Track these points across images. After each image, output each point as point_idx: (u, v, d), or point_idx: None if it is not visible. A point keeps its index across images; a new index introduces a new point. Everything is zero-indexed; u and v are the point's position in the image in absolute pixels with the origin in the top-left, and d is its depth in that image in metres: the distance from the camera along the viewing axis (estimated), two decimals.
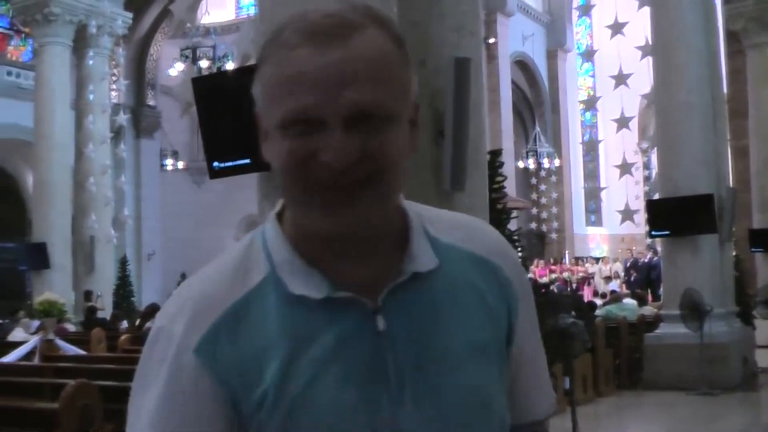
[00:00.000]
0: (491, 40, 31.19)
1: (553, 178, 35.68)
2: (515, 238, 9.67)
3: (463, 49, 6.48)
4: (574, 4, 36.96)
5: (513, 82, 33.89)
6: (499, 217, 9.14)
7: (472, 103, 6.45)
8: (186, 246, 31.62)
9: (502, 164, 9.48)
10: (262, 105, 1.39)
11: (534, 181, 35.33)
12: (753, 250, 21.71)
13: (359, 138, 1.31)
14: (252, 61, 6.99)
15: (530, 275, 23.99)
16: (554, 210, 35.33)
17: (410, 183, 4.73)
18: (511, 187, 28.65)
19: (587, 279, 31.67)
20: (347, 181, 1.32)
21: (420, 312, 1.41)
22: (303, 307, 1.37)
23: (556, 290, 22.53)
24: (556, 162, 35.59)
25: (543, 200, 35.10)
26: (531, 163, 35.23)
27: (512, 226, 10.46)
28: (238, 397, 1.36)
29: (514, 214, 19.21)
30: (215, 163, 5.64)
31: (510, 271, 1.51)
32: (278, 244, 1.43)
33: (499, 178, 9.35)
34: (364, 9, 1.38)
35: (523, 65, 35.53)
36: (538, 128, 35.99)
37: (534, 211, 34.37)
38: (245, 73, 6.90)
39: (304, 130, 1.32)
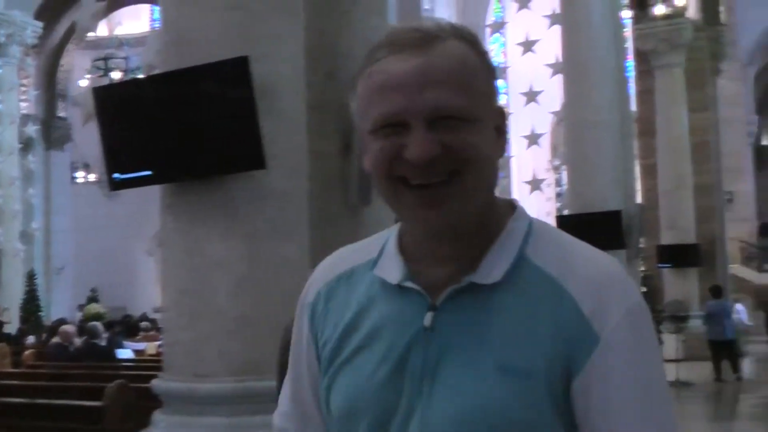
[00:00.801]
0: None
1: None
2: None
3: None
4: (488, 22, 37.27)
5: None
6: None
7: None
8: (99, 259, 31.13)
9: None
10: (358, 118, 1.50)
11: None
12: (660, 266, 22.15)
13: (440, 136, 1.41)
14: (157, 71, 6.88)
15: None
16: None
17: (318, 197, 4.70)
18: None
19: None
20: (430, 179, 1.41)
21: (468, 320, 1.47)
22: (382, 288, 1.54)
23: None
24: None
25: None
26: None
27: None
28: (320, 347, 1.61)
29: None
30: (116, 175, 5.53)
31: (597, 313, 1.43)
32: (394, 237, 1.58)
33: None
34: (448, 25, 1.50)
35: None
36: None
37: None
38: (148, 82, 6.81)
39: (392, 131, 1.42)
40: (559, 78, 16.43)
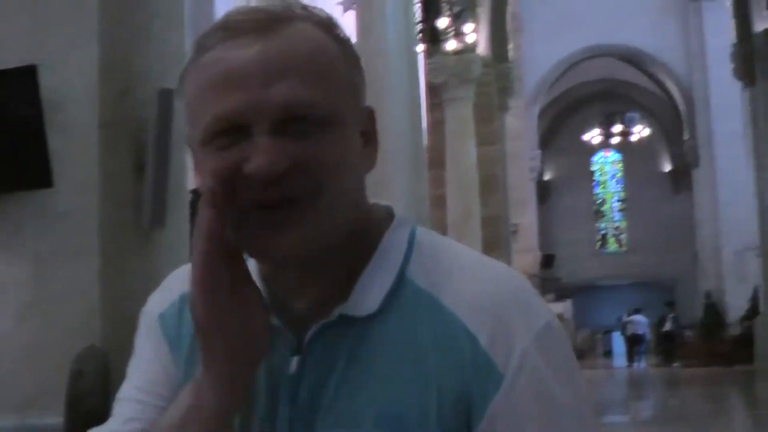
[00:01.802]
0: None
1: None
2: None
3: (168, 79, 6.22)
4: None
5: None
6: None
7: (175, 137, 6.18)
8: None
9: None
10: (188, 127, 1.20)
11: None
12: None
13: (290, 144, 1.12)
14: None
15: None
16: None
17: (108, 219, 4.37)
18: None
19: None
20: (277, 198, 1.13)
21: (339, 362, 1.20)
22: None
23: None
24: None
25: None
26: None
27: None
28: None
29: None
30: None
31: (497, 343, 1.14)
32: None
33: None
34: (298, 6, 1.21)
35: None
36: None
37: None
38: None
39: (228, 142, 1.13)
40: None
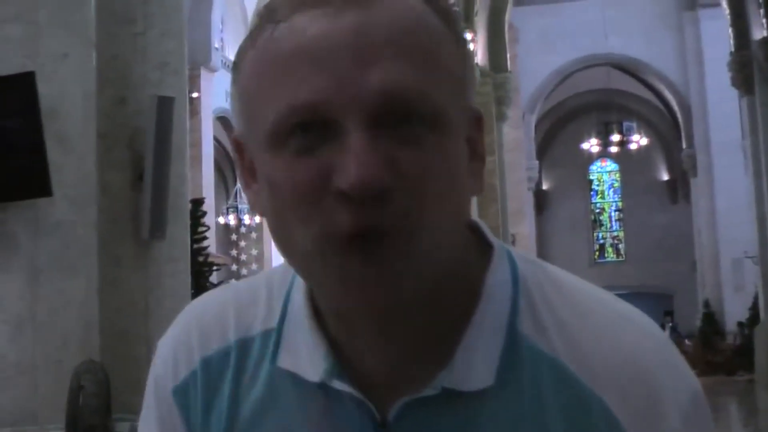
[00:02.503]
0: (194, 95, 30.80)
1: (254, 235, 35.57)
2: None
3: (166, 87, 6.13)
4: None
5: (215, 139, 33.62)
6: (200, 269, 8.77)
7: (174, 146, 6.09)
8: None
9: (204, 213, 9.12)
10: (243, 122, 0.91)
11: (234, 237, 35.06)
12: None
13: (393, 149, 0.83)
14: None
15: None
16: (254, 267, 35.16)
17: (106, 230, 4.26)
18: (211, 243, 28.32)
19: None
20: (365, 225, 0.82)
21: None
22: (292, 384, 0.97)
23: None
24: (257, 219, 35.51)
25: (243, 257, 34.87)
26: (232, 220, 34.96)
27: (214, 279, 10.09)
28: None
29: (216, 268, 18.82)
30: None
31: (638, 414, 0.89)
32: (301, 292, 0.99)
33: (202, 228, 9.00)
34: None
35: (225, 122, 35.32)
36: (238, 185, 35.81)
37: (234, 267, 34.06)
38: None
39: (309, 142, 0.84)
40: None
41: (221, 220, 34.23)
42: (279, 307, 1.00)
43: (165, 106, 5.91)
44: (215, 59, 32.31)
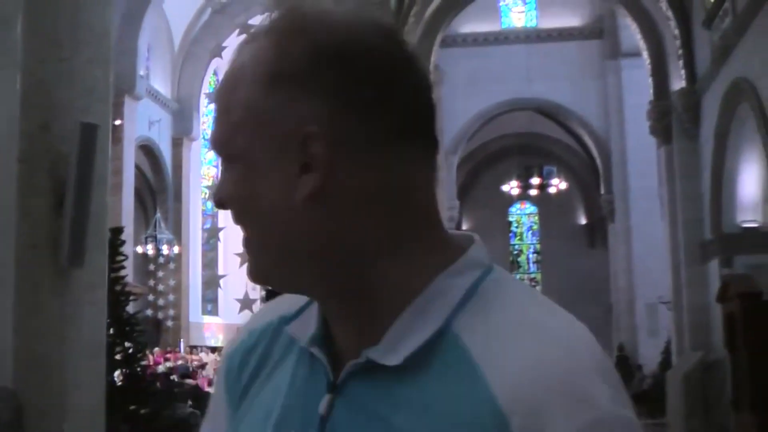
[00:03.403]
0: (117, 122, 30.53)
1: (172, 265, 35.20)
2: (134, 321, 9.21)
3: (91, 114, 6.09)
4: (204, 90, 37.11)
5: (137, 167, 33.28)
6: (117, 299, 8.67)
7: (96, 174, 6.04)
8: None
9: (123, 242, 9.04)
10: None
11: (152, 267, 34.65)
12: None
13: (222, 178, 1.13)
14: None
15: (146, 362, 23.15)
16: (171, 297, 34.78)
17: (24, 256, 4.21)
18: (129, 272, 27.94)
19: (201, 368, 31.30)
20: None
21: (365, 413, 1.06)
22: (299, 349, 1.18)
23: (176, 377, 21.89)
24: (176, 249, 35.17)
25: (161, 287, 34.47)
26: (150, 249, 34.55)
27: (130, 309, 9.98)
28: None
29: (132, 298, 18.58)
30: None
31: (526, 427, 0.95)
32: None
33: (120, 257, 8.90)
34: (287, 11, 1.10)
35: (148, 150, 35.01)
36: (159, 214, 35.46)
37: (151, 297, 33.65)
38: None
39: None
40: None
41: (139, 249, 33.82)
42: None
43: (89, 133, 5.86)
44: (140, 87, 32.05)
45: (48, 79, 5.98)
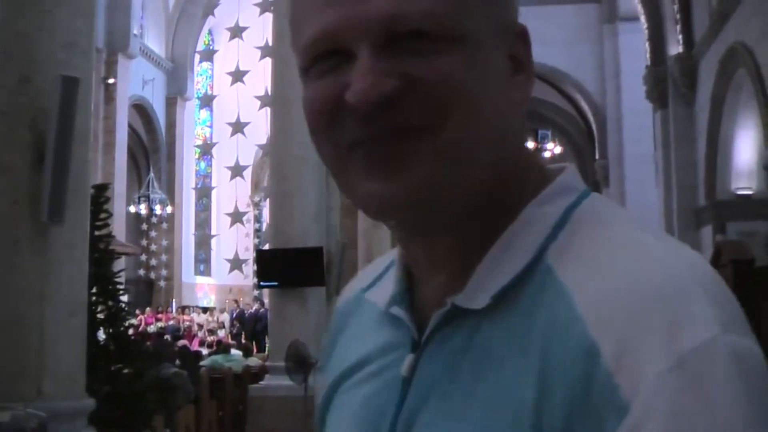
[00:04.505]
0: (111, 81, 30.38)
1: (165, 225, 35.15)
2: (118, 280, 9.11)
3: (72, 68, 5.95)
4: (198, 49, 36.86)
5: (130, 126, 33.13)
6: (102, 257, 8.56)
7: (78, 130, 5.91)
8: None
9: (107, 200, 8.91)
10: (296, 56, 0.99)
11: (145, 227, 34.60)
12: None
13: (401, 63, 0.89)
14: None
15: (136, 322, 23.13)
16: (164, 257, 34.79)
17: (2, 212, 4.07)
18: (121, 232, 27.91)
19: (193, 328, 31.31)
20: (384, 127, 0.89)
21: (449, 367, 0.94)
22: (376, 314, 1.08)
23: (169, 337, 21.86)
24: (169, 209, 35.11)
25: (153, 247, 34.45)
26: (143, 209, 34.49)
27: (118, 268, 9.90)
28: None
29: (122, 259, 18.48)
30: None
31: (624, 361, 0.79)
32: None
33: (104, 215, 8.78)
34: None
35: (141, 110, 34.86)
36: (152, 174, 35.37)
37: (143, 257, 33.62)
38: None
39: (327, 68, 0.92)
40: (267, 111, 16.24)
41: (132, 209, 33.76)
42: (395, 255, 1.09)
43: (70, 86, 5.73)
44: (134, 46, 31.87)
45: (28, 32, 5.84)
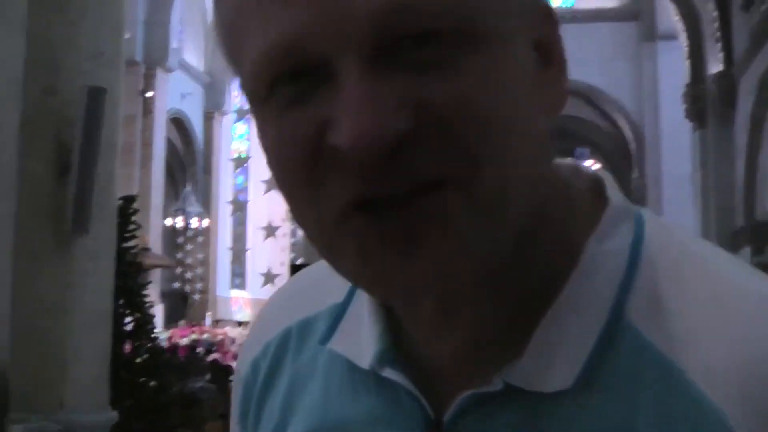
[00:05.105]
0: (149, 94, 30.56)
1: (200, 239, 35.26)
2: (144, 293, 9.10)
3: (99, 78, 5.93)
4: None
5: (168, 140, 33.30)
6: (129, 269, 8.55)
7: (105, 141, 5.89)
8: None
9: (135, 211, 8.91)
10: (234, 69, 0.70)
11: (181, 240, 34.72)
12: None
13: (406, 83, 0.61)
14: None
15: (168, 335, 23.19)
16: (199, 271, 34.86)
17: (26, 223, 4.02)
18: (157, 245, 28.03)
19: (227, 342, 31.36)
20: (403, 183, 0.61)
21: None
22: (347, 369, 0.80)
23: (202, 351, 21.87)
24: (205, 223, 35.22)
25: (189, 260, 34.54)
26: (179, 222, 34.62)
27: (151, 281, 9.90)
28: None
29: (158, 272, 18.51)
30: None
31: (746, 426, 0.63)
32: None
33: (132, 227, 8.78)
34: None
35: (179, 123, 35.02)
36: (189, 188, 35.51)
37: (179, 270, 33.73)
38: None
39: (296, 93, 0.63)
40: None
41: (168, 222, 33.88)
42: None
43: (96, 96, 5.72)
44: (172, 59, 32.04)
45: (54, 42, 5.84)
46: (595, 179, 0.79)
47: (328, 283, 0.82)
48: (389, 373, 0.75)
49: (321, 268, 0.85)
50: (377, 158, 0.59)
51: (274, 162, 0.67)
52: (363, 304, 0.80)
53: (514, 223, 0.65)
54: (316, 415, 0.81)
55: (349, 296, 0.83)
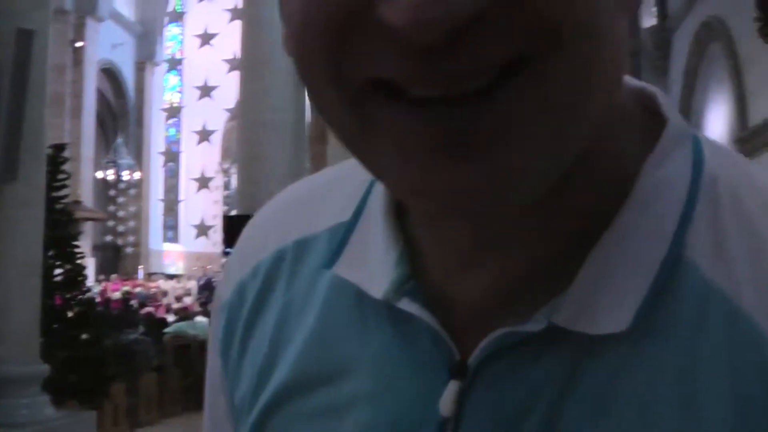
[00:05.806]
0: (79, 44, 30.00)
1: (133, 192, 34.88)
2: (76, 243, 8.91)
3: (29, 20, 5.73)
4: (169, 9, 36.55)
5: (98, 91, 32.76)
6: (59, 218, 8.35)
7: (33, 83, 5.71)
8: None
9: (66, 160, 8.69)
10: None
11: (113, 193, 34.32)
12: None
13: None
14: None
15: (101, 288, 22.94)
16: (132, 224, 34.54)
17: None
18: (89, 198, 27.64)
19: (159, 295, 31.19)
20: (468, 70, 0.49)
21: (537, 407, 0.60)
22: (356, 298, 0.69)
23: (135, 304, 21.69)
24: (137, 175, 34.82)
25: (121, 213, 34.19)
26: (111, 175, 34.18)
27: (81, 233, 9.72)
28: (235, 386, 0.80)
29: (90, 225, 18.25)
30: None
31: None
32: (380, 188, 0.71)
33: (62, 175, 8.56)
34: None
35: (110, 74, 34.47)
36: (120, 140, 35.04)
37: (111, 223, 33.38)
38: None
39: None
40: (236, 74, 16.09)
41: (100, 174, 33.42)
42: (359, 196, 0.73)
43: (25, 39, 5.52)
44: (102, 8, 31.45)
45: None
46: (646, 94, 0.68)
47: (327, 198, 0.75)
48: (407, 305, 0.65)
49: (318, 180, 0.79)
50: (438, 41, 0.48)
51: (301, 26, 0.53)
52: (375, 226, 0.69)
53: (587, 126, 0.55)
54: (313, 352, 0.71)
55: (356, 215, 0.72)
